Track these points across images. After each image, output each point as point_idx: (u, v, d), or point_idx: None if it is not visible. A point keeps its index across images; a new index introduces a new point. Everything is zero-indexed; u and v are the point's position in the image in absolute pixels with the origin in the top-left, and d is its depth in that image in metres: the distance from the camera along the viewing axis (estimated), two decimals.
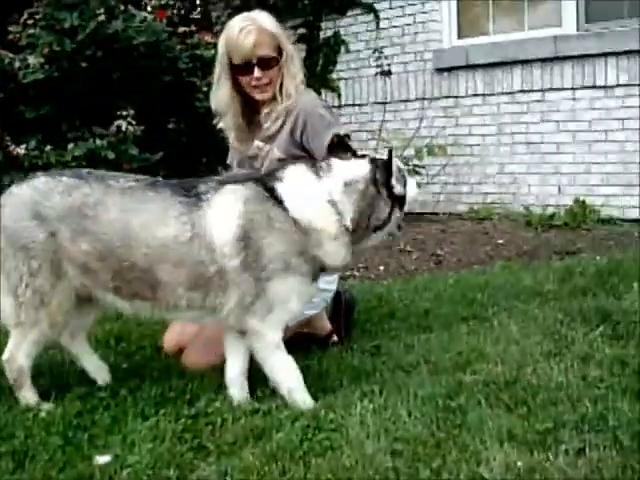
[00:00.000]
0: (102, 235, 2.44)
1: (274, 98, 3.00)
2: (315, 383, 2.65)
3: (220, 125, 3.15)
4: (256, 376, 2.73)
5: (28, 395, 2.61)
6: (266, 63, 2.92)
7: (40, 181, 2.55)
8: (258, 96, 2.99)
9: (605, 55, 5.75)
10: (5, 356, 2.59)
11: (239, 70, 2.95)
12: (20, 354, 2.57)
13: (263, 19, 2.98)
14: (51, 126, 4.48)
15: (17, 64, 4.41)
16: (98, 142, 4.30)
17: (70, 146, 4.28)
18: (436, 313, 3.57)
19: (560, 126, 6.05)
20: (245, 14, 3.02)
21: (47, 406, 2.57)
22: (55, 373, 2.96)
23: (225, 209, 2.44)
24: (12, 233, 2.47)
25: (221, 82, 3.02)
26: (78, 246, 2.46)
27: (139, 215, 2.45)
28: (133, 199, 2.49)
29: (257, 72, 2.92)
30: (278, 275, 2.41)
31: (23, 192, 2.54)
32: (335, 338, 3.21)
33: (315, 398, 2.51)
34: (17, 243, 2.47)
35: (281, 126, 2.96)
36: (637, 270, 4.08)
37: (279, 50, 2.96)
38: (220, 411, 2.42)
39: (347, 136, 2.91)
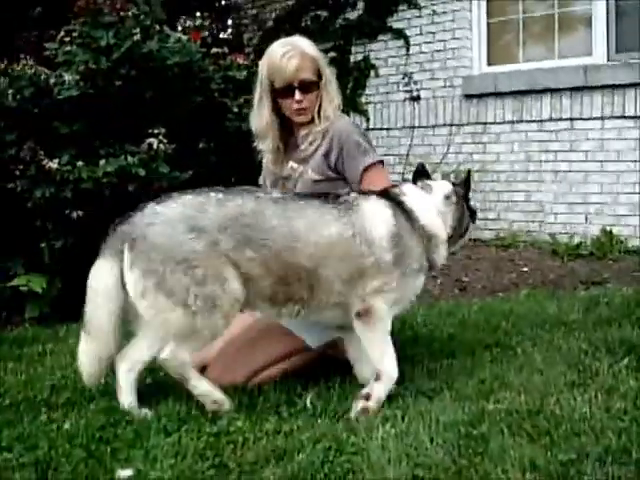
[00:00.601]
0: (266, 241, 2.60)
1: (312, 120, 3.06)
2: (337, 406, 2.66)
3: (259, 147, 3.21)
4: (278, 396, 2.75)
5: (199, 384, 2.65)
6: (307, 87, 3.01)
7: (187, 198, 2.67)
8: (298, 119, 3.06)
9: (635, 85, 5.74)
10: (165, 355, 2.61)
11: (280, 93, 3.03)
12: (183, 351, 2.61)
13: (304, 44, 3.07)
14: (84, 142, 4.53)
15: (53, 80, 4.48)
16: (129, 159, 4.34)
17: (102, 162, 4.33)
18: (460, 339, 3.56)
19: (588, 155, 6.03)
20: (285, 39, 3.11)
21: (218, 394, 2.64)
22: (79, 386, 2.99)
23: (377, 212, 2.74)
24: (169, 249, 2.54)
25: (262, 105, 3.10)
26: (242, 254, 2.59)
27: (301, 220, 2.66)
28: (288, 207, 2.68)
29: (298, 95, 2.99)
30: (415, 273, 2.78)
31: (172, 210, 2.61)
32: None
33: (337, 420, 2.51)
34: (176, 257, 2.53)
35: (316, 148, 3.02)
36: None
37: (319, 74, 3.04)
38: (242, 430, 2.42)
39: (381, 162, 3.02)
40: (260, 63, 3.14)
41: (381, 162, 3.05)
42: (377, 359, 2.71)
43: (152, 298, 2.55)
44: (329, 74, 3.10)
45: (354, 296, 2.69)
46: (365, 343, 2.75)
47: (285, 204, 2.69)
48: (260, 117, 3.14)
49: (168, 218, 2.59)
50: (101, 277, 2.67)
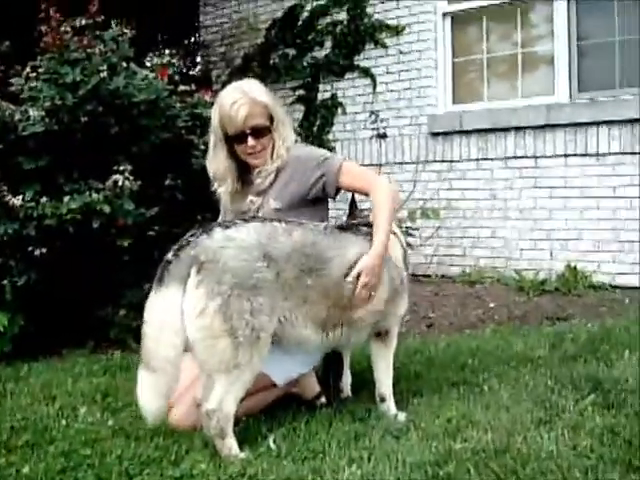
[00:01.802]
0: (325, 270, 2.75)
1: (266, 162, 3.10)
2: (302, 446, 2.62)
3: (217, 190, 3.22)
4: (242, 437, 2.71)
5: (232, 444, 2.57)
6: (259, 132, 3.06)
7: (256, 225, 2.70)
8: (253, 162, 3.12)
9: (597, 124, 5.86)
10: (212, 405, 2.54)
11: (234, 140, 3.07)
12: (229, 399, 2.55)
13: (254, 90, 3.11)
14: (48, 178, 4.48)
15: (18, 116, 4.43)
16: (94, 195, 4.30)
17: (66, 198, 4.27)
18: (426, 377, 3.55)
19: (552, 192, 6.12)
20: (235, 85, 3.14)
21: (243, 454, 2.55)
22: (39, 427, 2.93)
23: (392, 241, 3.00)
24: (241, 274, 2.53)
25: (217, 151, 3.15)
26: (303, 283, 2.69)
27: (350, 250, 2.84)
28: (336, 238, 2.86)
29: (251, 141, 3.05)
30: None
31: (248, 235, 2.63)
32: (324, 399, 3.18)
33: (302, 461, 2.48)
34: (247, 283, 2.54)
35: (274, 180, 3.07)
36: (628, 338, 4.08)
37: (270, 118, 3.07)
38: (205, 473, 2.38)
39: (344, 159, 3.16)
40: (212, 111, 3.17)
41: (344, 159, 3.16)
42: (384, 380, 3.01)
43: (209, 320, 2.50)
44: (281, 115, 3.14)
45: (386, 316, 2.97)
46: (380, 362, 3.02)
47: (333, 236, 2.85)
48: (217, 162, 3.17)
49: (243, 244, 2.60)
50: (166, 309, 2.53)
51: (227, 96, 3.07)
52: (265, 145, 3.08)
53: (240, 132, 3.04)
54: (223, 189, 3.19)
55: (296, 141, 3.25)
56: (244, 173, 3.19)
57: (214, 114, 3.12)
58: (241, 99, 3.03)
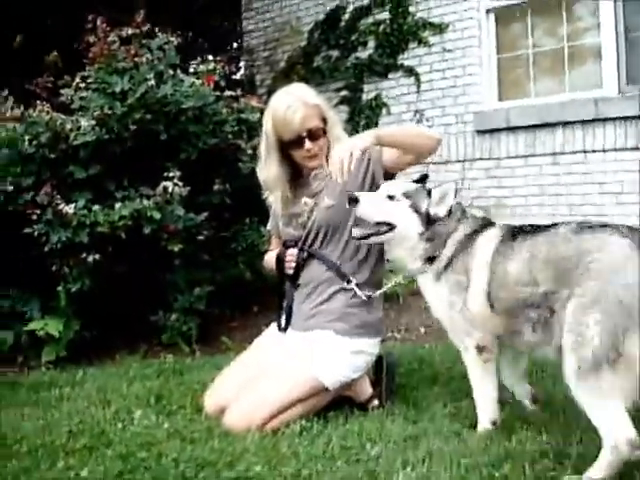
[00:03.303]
0: None
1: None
2: (356, 449, 2.62)
3: (268, 198, 3.24)
4: (297, 439, 2.72)
5: None
6: (315, 134, 3.07)
7: None
8: (310, 164, 3.13)
9: None
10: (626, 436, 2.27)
11: (290, 145, 3.07)
12: (630, 424, 2.30)
13: (305, 93, 3.13)
14: (99, 186, 4.57)
15: (69, 126, 4.53)
16: (145, 202, 4.37)
17: (117, 206, 4.36)
18: None
19: (603, 188, 6.01)
20: (285, 89, 3.15)
21: None
22: (96, 431, 2.98)
23: None
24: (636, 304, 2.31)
25: (270, 158, 3.16)
26: None
27: None
28: None
29: (308, 144, 3.06)
30: None
31: None
32: (376, 402, 3.17)
33: (356, 463, 2.48)
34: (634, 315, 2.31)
35: (327, 183, 3.05)
36: None
37: (324, 119, 3.09)
38: (260, 475, 2.40)
39: None
40: (264, 117, 3.18)
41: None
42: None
43: None
44: (332, 116, 3.17)
45: None
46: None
47: None
48: (268, 170, 3.19)
49: None
50: None
51: (280, 101, 3.09)
52: (321, 147, 3.10)
53: (297, 136, 3.05)
54: (273, 197, 3.21)
55: None
56: (296, 178, 3.21)
57: (266, 120, 3.13)
58: (295, 103, 3.05)
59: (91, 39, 4.98)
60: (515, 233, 2.74)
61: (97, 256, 4.38)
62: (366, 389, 3.20)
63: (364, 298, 3.05)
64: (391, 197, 2.86)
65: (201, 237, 4.62)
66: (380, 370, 3.26)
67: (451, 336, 2.90)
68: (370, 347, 3.05)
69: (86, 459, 2.67)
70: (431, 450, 2.53)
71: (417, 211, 2.84)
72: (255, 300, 5.14)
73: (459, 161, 6.71)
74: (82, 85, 4.81)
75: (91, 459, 2.66)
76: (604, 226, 2.54)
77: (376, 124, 7.41)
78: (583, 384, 2.31)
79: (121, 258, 4.52)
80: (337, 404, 3.08)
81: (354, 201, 2.83)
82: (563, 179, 6.22)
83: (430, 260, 2.85)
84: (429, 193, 2.86)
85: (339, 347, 2.99)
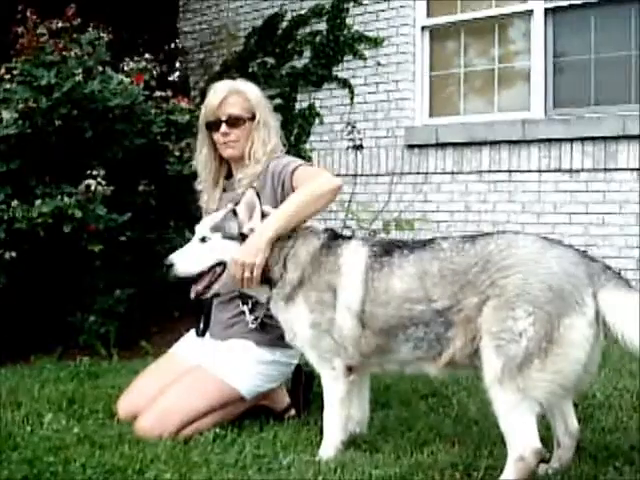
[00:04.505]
0: None
1: (243, 161, 3.07)
2: (269, 458, 2.60)
3: (197, 187, 3.22)
4: (210, 446, 2.68)
5: None
6: (233, 121, 3.07)
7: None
8: (225, 153, 3.12)
9: (570, 140, 5.91)
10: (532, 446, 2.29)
11: (211, 127, 3.07)
12: (537, 435, 2.32)
13: (242, 84, 3.17)
14: (20, 181, 4.44)
15: None
16: (66, 200, 4.26)
17: (37, 202, 4.24)
18: (396, 389, 3.55)
19: (526, 206, 6.16)
20: (229, 80, 3.18)
21: None
22: (2, 434, 2.87)
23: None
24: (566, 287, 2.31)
25: (200, 143, 3.18)
26: None
27: None
28: None
29: (224, 128, 3.07)
30: None
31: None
32: (293, 412, 3.17)
33: (267, 472, 2.46)
34: (568, 299, 2.30)
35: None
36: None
37: (252, 114, 3.08)
38: None
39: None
40: None
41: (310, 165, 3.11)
42: None
43: None
44: (266, 118, 3.13)
45: None
46: None
47: None
48: (199, 154, 3.22)
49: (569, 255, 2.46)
50: None
51: (215, 85, 3.17)
52: (239, 137, 3.07)
53: (216, 118, 3.07)
54: (201, 185, 3.22)
55: (286, 151, 3.24)
56: (227, 179, 3.19)
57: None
58: (223, 87, 3.12)
59: (19, 30, 4.86)
60: (388, 249, 2.65)
61: (13, 253, 4.25)
62: (283, 399, 3.19)
63: (250, 325, 3.00)
64: (203, 239, 2.75)
65: (123, 238, 4.53)
66: (298, 380, 3.25)
67: (314, 358, 2.73)
68: (288, 358, 3.03)
69: None
70: (343, 460, 2.53)
71: (232, 237, 2.73)
72: (176, 305, 5.06)
73: (388, 174, 6.78)
74: (7, 77, 4.67)
75: None
76: (488, 234, 2.58)
77: (308, 134, 7.43)
78: (506, 386, 2.28)
79: (39, 257, 4.40)
80: (253, 413, 3.05)
81: (169, 267, 2.71)
82: (488, 197, 6.35)
83: (269, 282, 2.73)
84: (235, 213, 2.76)
85: (256, 357, 2.96)
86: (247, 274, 2.66)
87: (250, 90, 3.15)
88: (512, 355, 2.28)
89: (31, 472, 2.46)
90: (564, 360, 2.27)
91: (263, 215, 2.74)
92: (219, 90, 3.11)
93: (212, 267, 2.73)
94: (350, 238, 2.83)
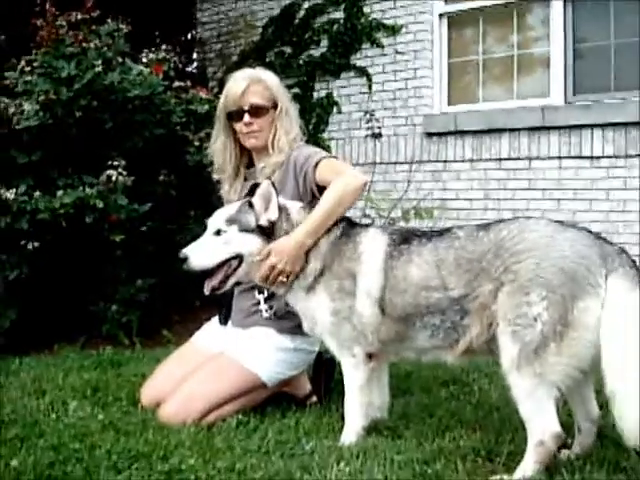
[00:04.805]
0: None
1: (266, 150, 3.06)
2: (292, 443, 2.62)
3: (214, 176, 3.22)
4: (233, 432, 2.71)
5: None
6: (256, 111, 3.05)
7: None
8: (248, 143, 3.09)
9: (591, 127, 5.86)
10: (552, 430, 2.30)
11: (233, 117, 3.05)
12: (557, 419, 2.34)
13: (262, 72, 3.15)
14: (42, 172, 4.48)
15: (12, 109, 4.43)
16: (88, 190, 4.30)
17: (59, 193, 4.27)
18: (417, 376, 3.56)
19: (545, 194, 6.12)
20: (248, 69, 3.16)
21: None
22: (29, 421, 2.92)
23: None
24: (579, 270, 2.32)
25: (218, 132, 3.15)
26: None
27: None
28: None
29: (247, 118, 3.04)
30: None
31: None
32: (314, 399, 3.19)
33: (291, 458, 2.48)
34: (581, 282, 2.31)
35: (276, 180, 3.02)
36: None
37: (274, 103, 3.06)
38: (194, 468, 2.38)
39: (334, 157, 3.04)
40: None
41: (334, 157, 3.05)
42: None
43: None
44: (288, 106, 3.12)
45: None
46: None
47: None
48: (214, 143, 3.20)
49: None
50: None
51: (234, 75, 3.15)
52: (262, 127, 3.06)
53: (238, 107, 3.05)
54: (219, 174, 3.20)
55: (305, 140, 3.22)
56: (247, 166, 3.19)
57: (222, 94, 3.16)
58: (244, 76, 3.10)
59: (39, 22, 4.88)
60: (406, 237, 2.66)
61: (37, 244, 4.29)
62: (305, 386, 3.21)
63: (264, 314, 3.03)
64: (218, 232, 2.73)
65: (144, 228, 4.56)
66: (319, 367, 3.27)
67: (334, 346, 2.75)
68: (309, 345, 3.05)
69: (17, 449, 2.62)
70: (366, 446, 2.55)
71: (248, 230, 2.71)
72: (197, 294, 5.07)
73: (407, 162, 6.76)
74: (27, 69, 4.71)
75: (22, 449, 2.61)
76: (501, 221, 2.59)
77: (326, 122, 7.42)
78: (524, 371, 2.29)
79: (62, 247, 4.44)
80: (275, 400, 3.08)
81: (184, 260, 2.69)
82: (507, 184, 6.32)
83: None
84: (251, 205, 2.74)
85: (278, 344, 2.98)
86: (282, 279, 2.69)
87: (270, 78, 3.14)
88: (528, 340, 2.29)
89: (57, 458, 2.50)
90: (580, 343, 2.27)
91: (280, 209, 2.74)
92: (240, 79, 3.08)
93: (227, 260, 2.72)
94: (368, 226, 2.84)
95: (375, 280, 2.61)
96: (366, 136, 6.58)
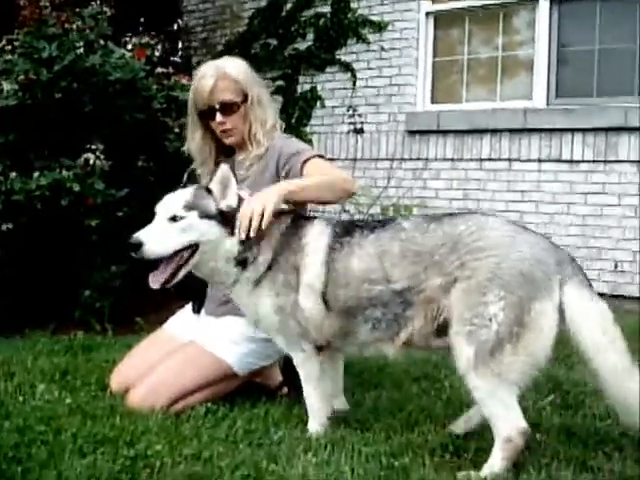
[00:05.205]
0: None
1: (245, 144, 3.04)
2: (260, 433, 2.61)
3: (198, 171, 3.18)
4: (201, 420, 2.69)
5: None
6: (227, 108, 2.99)
7: None
8: (226, 141, 3.06)
9: (572, 131, 5.90)
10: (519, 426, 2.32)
11: (204, 115, 3.01)
12: (521, 414, 2.35)
13: (228, 65, 3.04)
14: (18, 153, 4.42)
15: None
16: (64, 173, 4.24)
17: (35, 175, 4.22)
18: (389, 371, 3.56)
19: (524, 196, 6.16)
20: (212, 61, 3.09)
21: None
22: None
23: None
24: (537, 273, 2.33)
25: (193, 128, 3.10)
26: None
27: None
28: None
29: (219, 117, 2.98)
30: None
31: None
32: (285, 390, 3.18)
33: (258, 447, 2.47)
34: (538, 284, 2.32)
35: (256, 172, 2.99)
36: None
37: (244, 96, 3.00)
38: (160, 454, 2.36)
39: (321, 156, 2.97)
40: None
41: (320, 156, 2.97)
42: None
43: None
44: (259, 94, 3.05)
45: None
46: None
47: None
48: (192, 139, 3.13)
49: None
50: None
51: (200, 69, 3.05)
52: (236, 124, 3.01)
53: (208, 107, 2.99)
54: (200, 171, 3.15)
55: (283, 129, 3.18)
56: (227, 158, 3.15)
57: (191, 89, 3.08)
58: (211, 72, 2.98)
59: (22, 2, 4.83)
60: (348, 229, 2.61)
61: (10, 225, 4.24)
62: (276, 376, 3.20)
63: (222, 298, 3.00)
64: (174, 218, 2.55)
65: (120, 214, 4.51)
66: (291, 359, 3.25)
67: (282, 342, 2.69)
68: None
69: None
70: (334, 438, 2.54)
71: (209, 216, 2.57)
72: None
73: (388, 159, 6.77)
74: (8, 48, 4.65)
75: None
76: (454, 214, 2.59)
77: (309, 116, 7.41)
78: (481, 372, 2.29)
79: (36, 230, 4.38)
80: (246, 390, 3.06)
81: (137, 246, 2.51)
82: (487, 185, 6.35)
83: (243, 264, 2.63)
84: (209, 190, 2.62)
85: (251, 334, 2.95)
86: (255, 223, 2.54)
87: (237, 69, 3.03)
88: (483, 340, 2.29)
89: (22, 440, 2.48)
90: (535, 344, 2.29)
91: (238, 197, 2.63)
92: (207, 76, 2.98)
93: (180, 251, 2.57)
94: (314, 219, 2.75)
95: (317, 274, 2.56)
96: (348, 131, 6.59)
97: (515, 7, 6.54)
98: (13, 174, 4.23)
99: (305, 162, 2.88)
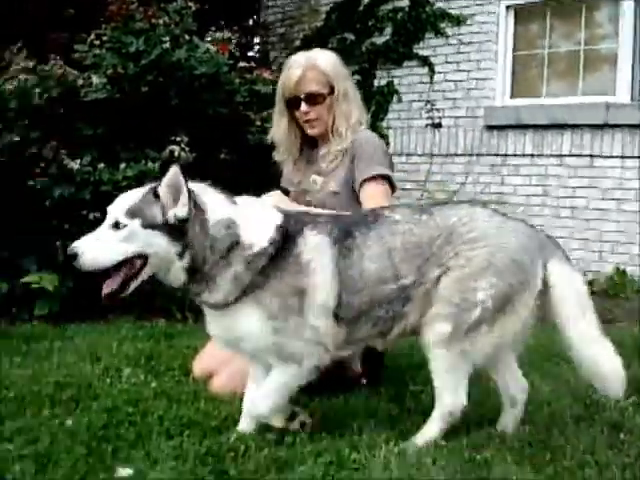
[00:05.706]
0: None
1: (327, 136, 3.07)
2: (341, 422, 2.64)
3: (276, 157, 3.22)
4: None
5: None
6: (312, 99, 3.03)
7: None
8: (309, 131, 3.10)
9: None
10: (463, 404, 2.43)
11: (289, 104, 3.05)
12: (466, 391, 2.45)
13: (318, 56, 3.09)
14: (106, 145, 4.56)
15: (80, 82, 4.53)
16: (150, 164, 4.37)
17: (122, 166, 4.36)
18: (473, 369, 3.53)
19: (606, 194, 6.01)
20: (304, 52, 3.13)
21: None
22: (84, 384, 3.00)
23: None
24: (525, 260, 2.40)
25: (280, 115, 3.15)
26: None
27: None
28: None
29: (304, 107, 3.03)
30: None
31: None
32: (365, 381, 3.19)
33: (339, 436, 2.50)
34: (527, 272, 2.39)
35: (337, 166, 3.03)
36: None
37: (331, 88, 3.03)
38: (244, 439, 2.41)
39: (386, 177, 2.97)
40: None
41: (386, 177, 2.96)
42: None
43: None
44: (346, 88, 3.08)
45: None
46: None
47: None
48: (277, 127, 3.20)
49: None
50: None
51: (291, 59, 3.11)
52: (320, 115, 3.05)
53: (293, 96, 3.04)
54: (280, 157, 3.20)
55: (368, 125, 3.21)
56: (311, 148, 3.19)
57: (280, 78, 3.14)
58: (300, 63, 3.04)
59: None
60: (345, 230, 2.41)
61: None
62: (356, 367, 3.21)
63: None
64: (116, 225, 2.27)
65: None
66: (371, 349, 3.26)
67: (274, 360, 2.41)
68: None
69: (71, 410, 2.70)
70: (415, 429, 2.54)
71: (152, 226, 2.26)
72: None
73: (465, 154, 6.71)
74: (97, 42, 4.80)
75: (77, 411, 2.69)
76: (441, 204, 2.67)
77: (386, 111, 7.41)
78: (452, 348, 2.36)
79: None
80: (327, 379, 3.08)
81: (73, 257, 2.25)
82: (568, 182, 6.22)
83: (193, 277, 2.35)
84: (157, 195, 2.29)
85: None
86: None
87: (326, 62, 3.07)
88: (462, 321, 2.35)
89: (110, 421, 2.57)
90: (509, 328, 2.40)
91: (197, 205, 2.31)
92: (295, 66, 3.04)
93: (129, 260, 2.29)
94: (303, 227, 2.42)
95: (330, 290, 2.35)
96: (426, 125, 6.57)
97: (597, 1, 6.38)
98: (101, 165, 4.37)
99: (366, 181, 2.93)
